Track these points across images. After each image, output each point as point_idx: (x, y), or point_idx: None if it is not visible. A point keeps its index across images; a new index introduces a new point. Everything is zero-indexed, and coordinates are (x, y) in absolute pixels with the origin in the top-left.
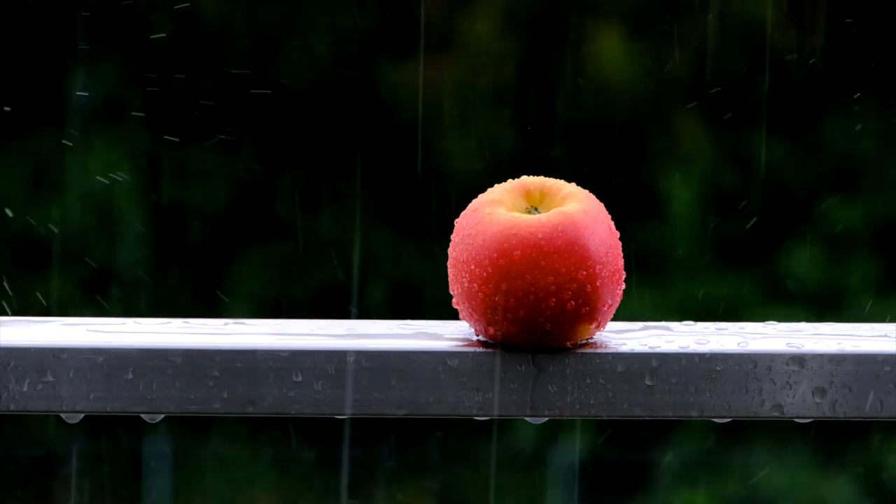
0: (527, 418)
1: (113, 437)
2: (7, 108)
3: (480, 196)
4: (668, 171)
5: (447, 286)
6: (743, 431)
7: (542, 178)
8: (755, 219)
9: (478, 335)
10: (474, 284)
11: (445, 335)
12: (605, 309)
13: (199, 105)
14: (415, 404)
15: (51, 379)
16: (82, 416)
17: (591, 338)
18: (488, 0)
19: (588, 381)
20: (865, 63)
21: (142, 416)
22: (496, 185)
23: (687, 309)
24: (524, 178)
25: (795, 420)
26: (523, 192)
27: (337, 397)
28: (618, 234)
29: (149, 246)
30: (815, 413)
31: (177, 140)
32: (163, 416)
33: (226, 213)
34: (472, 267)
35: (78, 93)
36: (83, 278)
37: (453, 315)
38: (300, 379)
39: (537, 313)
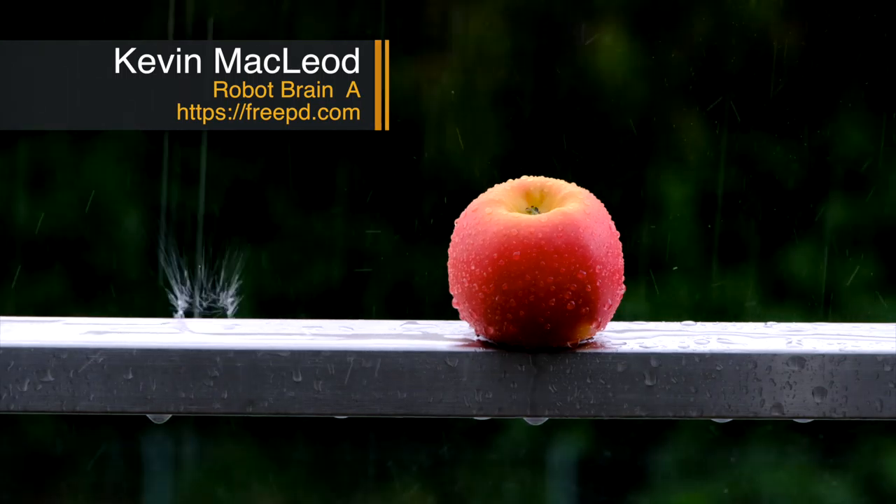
0: (527, 418)
1: (113, 437)
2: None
3: (480, 196)
4: (667, 171)
5: (447, 286)
6: (743, 431)
7: (542, 178)
8: (755, 219)
9: (478, 335)
10: (474, 284)
11: (445, 335)
12: (605, 309)
13: None
14: (415, 404)
15: (51, 379)
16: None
17: (591, 338)
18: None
19: (588, 381)
20: (866, 63)
21: (148, 416)
22: (496, 185)
23: (686, 309)
24: (524, 178)
25: (795, 420)
26: (523, 192)
27: (337, 397)
28: (618, 234)
29: (148, 245)
30: (815, 413)
31: (176, 140)
32: (169, 416)
33: (225, 213)
34: (472, 267)
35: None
36: (83, 278)
37: (453, 315)
38: (300, 379)
39: (537, 313)
